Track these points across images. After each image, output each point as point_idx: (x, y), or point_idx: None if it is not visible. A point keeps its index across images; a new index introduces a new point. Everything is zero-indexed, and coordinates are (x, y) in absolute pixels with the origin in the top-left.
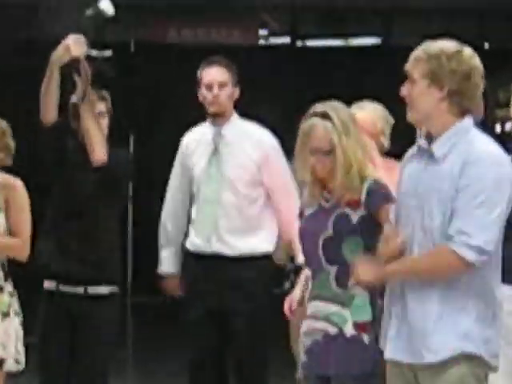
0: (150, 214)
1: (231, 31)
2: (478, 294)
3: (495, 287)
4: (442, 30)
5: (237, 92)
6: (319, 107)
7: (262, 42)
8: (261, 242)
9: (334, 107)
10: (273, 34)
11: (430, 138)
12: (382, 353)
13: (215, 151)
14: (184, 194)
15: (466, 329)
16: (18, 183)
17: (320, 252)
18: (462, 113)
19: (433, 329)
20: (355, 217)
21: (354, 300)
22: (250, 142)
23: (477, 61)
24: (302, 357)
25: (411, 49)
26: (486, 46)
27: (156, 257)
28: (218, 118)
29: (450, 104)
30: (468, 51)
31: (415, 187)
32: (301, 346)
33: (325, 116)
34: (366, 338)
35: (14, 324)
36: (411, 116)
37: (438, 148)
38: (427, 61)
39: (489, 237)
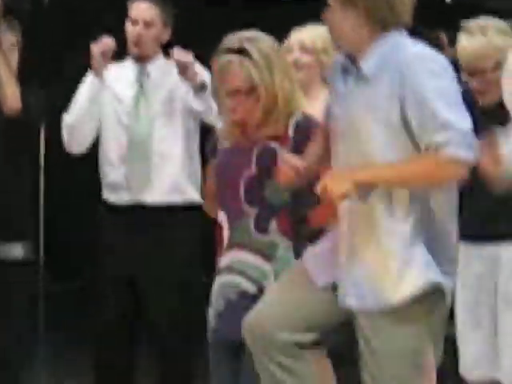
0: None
1: None
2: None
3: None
4: None
5: (166, 33)
6: (234, 40)
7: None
8: None
9: (251, 39)
10: None
11: (351, 57)
12: None
13: (140, 89)
14: None
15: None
16: None
17: (241, 192)
18: (385, 27)
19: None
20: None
21: (276, 251)
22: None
23: None
24: (210, 320)
25: None
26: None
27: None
28: (140, 59)
29: (369, 20)
30: None
31: (347, 110)
32: (211, 309)
33: (241, 51)
34: None
35: None
36: (334, 40)
37: (367, 63)
38: None
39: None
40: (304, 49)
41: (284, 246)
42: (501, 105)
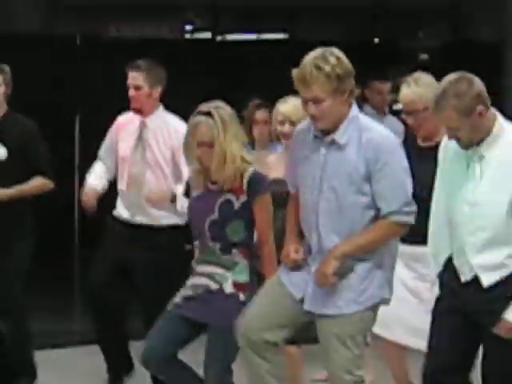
0: None
1: (159, 27)
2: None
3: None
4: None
5: (157, 91)
6: (204, 106)
7: (187, 36)
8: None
9: (216, 106)
10: (197, 29)
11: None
12: None
13: (140, 137)
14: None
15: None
16: None
17: (206, 231)
18: (350, 104)
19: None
20: (237, 203)
21: (236, 265)
22: (167, 131)
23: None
24: (175, 298)
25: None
26: (377, 41)
27: None
28: (139, 112)
29: (347, 101)
30: (340, 53)
31: (323, 170)
32: (179, 293)
33: (208, 114)
34: (242, 296)
35: None
36: (323, 126)
37: (341, 136)
38: (327, 80)
39: (411, 202)
40: (291, 122)
41: (242, 263)
42: (436, 146)
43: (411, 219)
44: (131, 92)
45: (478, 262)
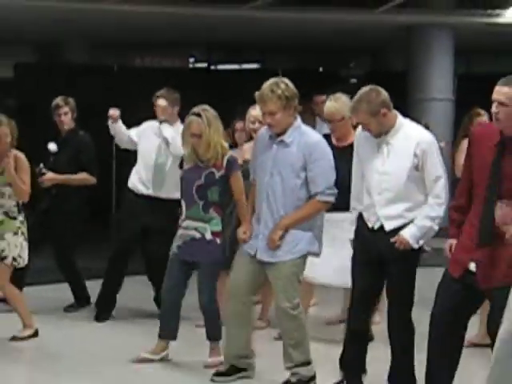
0: None
1: (171, 58)
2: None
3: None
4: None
5: (176, 108)
6: (196, 109)
7: (190, 65)
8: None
9: (204, 109)
10: (197, 60)
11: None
12: (224, 251)
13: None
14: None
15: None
16: (21, 155)
17: (194, 192)
18: (295, 117)
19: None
20: (218, 175)
21: (212, 219)
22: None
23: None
24: (173, 248)
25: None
26: (321, 69)
27: None
28: (164, 122)
29: (292, 114)
30: (288, 81)
31: (274, 160)
32: (174, 244)
33: (198, 114)
34: (218, 240)
35: (21, 240)
36: (276, 131)
37: (288, 137)
38: (279, 99)
39: (332, 187)
40: (259, 121)
41: (216, 218)
42: (350, 146)
43: (332, 199)
44: (158, 111)
45: (383, 213)
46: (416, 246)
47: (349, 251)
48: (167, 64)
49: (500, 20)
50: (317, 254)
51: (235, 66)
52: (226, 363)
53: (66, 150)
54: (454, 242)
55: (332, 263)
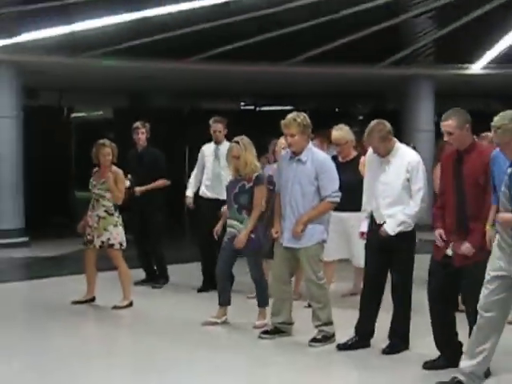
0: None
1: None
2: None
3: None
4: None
5: (225, 131)
6: (236, 138)
7: (242, 107)
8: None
9: (241, 138)
10: (246, 104)
11: (294, 152)
12: (261, 245)
13: (216, 157)
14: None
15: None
16: (119, 170)
17: (232, 198)
18: (309, 141)
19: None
20: (247, 186)
21: (245, 220)
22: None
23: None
24: (224, 239)
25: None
26: (337, 109)
27: None
28: (218, 142)
29: (307, 139)
30: (306, 115)
31: (294, 174)
32: (225, 236)
33: (237, 142)
34: (252, 235)
35: (120, 229)
36: (294, 150)
37: (303, 157)
38: (298, 126)
39: (337, 191)
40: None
41: (247, 218)
42: (351, 160)
43: (338, 200)
44: (215, 134)
45: (386, 212)
46: (392, 234)
47: (347, 237)
48: (224, 107)
49: (468, 72)
50: (324, 241)
51: (275, 108)
52: (271, 326)
53: (142, 162)
54: (441, 230)
55: (333, 245)
